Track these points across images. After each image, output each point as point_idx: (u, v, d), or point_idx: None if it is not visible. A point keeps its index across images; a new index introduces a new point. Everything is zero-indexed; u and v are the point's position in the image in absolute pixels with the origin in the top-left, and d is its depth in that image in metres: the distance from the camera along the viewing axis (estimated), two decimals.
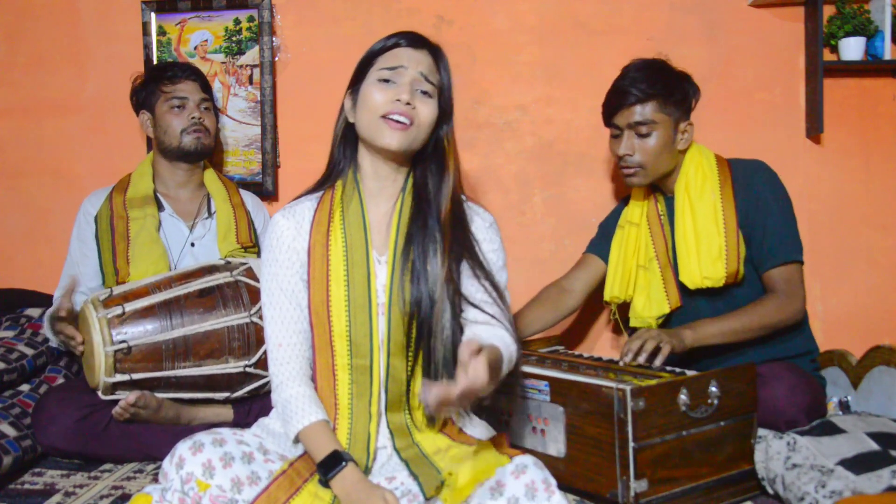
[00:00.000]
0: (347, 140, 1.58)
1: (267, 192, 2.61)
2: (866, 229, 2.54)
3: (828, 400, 2.06)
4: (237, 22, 2.63)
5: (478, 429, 1.55)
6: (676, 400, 1.62)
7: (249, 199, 2.41)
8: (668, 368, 1.80)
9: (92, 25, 2.74)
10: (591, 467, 1.65)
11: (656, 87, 1.98)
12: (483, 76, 2.60)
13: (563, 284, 2.26)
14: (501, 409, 1.85)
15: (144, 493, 1.40)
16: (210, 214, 2.30)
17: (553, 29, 2.58)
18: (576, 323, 2.60)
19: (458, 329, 1.50)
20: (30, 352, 2.18)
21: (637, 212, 2.17)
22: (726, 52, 2.53)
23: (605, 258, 2.24)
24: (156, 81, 2.29)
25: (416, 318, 1.48)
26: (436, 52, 1.56)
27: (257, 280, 2.00)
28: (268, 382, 2.00)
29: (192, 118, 2.25)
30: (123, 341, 1.91)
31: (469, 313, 1.52)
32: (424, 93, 1.51)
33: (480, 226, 1.58)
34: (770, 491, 1.66)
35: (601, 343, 2.62)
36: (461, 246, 1.52)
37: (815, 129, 2.43)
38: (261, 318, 1.92)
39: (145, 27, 2.66)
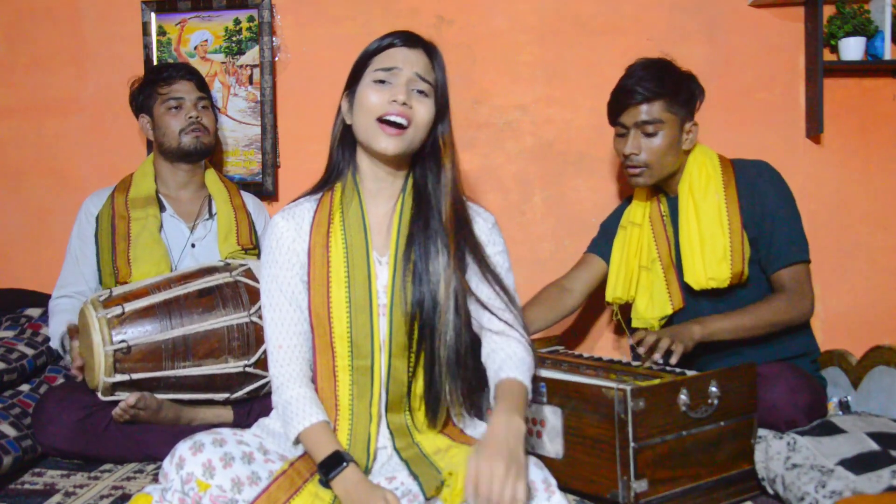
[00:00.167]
0: (346, 142, 1.58)
1: (267, 192, 2.61)
2: (866, 229, 2.54)
3: (828, 400, 2.05)
4: (237, 22, 2.63)
5: (478, 430, 1.55)
6: (677, 400, 1.61)
7: (251, 200, 2.40)
8: (669, 368, 1.80)
9: (92, 25, 2.74)
10: (590, 468, 1.64)
11: (664, 86, 1.97)
12: (483, 76, 2.60)
13: (564, 284, 2.26)
14: None
15: (144, 493, 1.40)
16: (211, 216, 2.30)
17: (553, 29, 2.58)
18: (576, 323, 2.60)
19: (462, 328, 1.49)
20: (30, 352, 2.18)
21: (639, 212, 2.17)
22: (726, 52, 2.53)
23: (606, 258, 2.24)
24: (152, 84, 2.29)
25: (419, 318, 1.47)
26: (431, 51, 1.55)
27: (256, 280, 2.00)
28: (267, 383, 2.01)
29: (190, 117, 2.25)
30: (123, 341, 1.91)
31: (483, 319, 1.51)
32: (421, 92, 1.50)
33: (483, 227, 1.57)
34: (770, 491, 1.66)
35: (601, 343, 2.62)
36: (466, 246, 1.52)
37: (815, 129, 2.43)
38: (260, 317, 1.93)
39: (145, 27, 2.66)
